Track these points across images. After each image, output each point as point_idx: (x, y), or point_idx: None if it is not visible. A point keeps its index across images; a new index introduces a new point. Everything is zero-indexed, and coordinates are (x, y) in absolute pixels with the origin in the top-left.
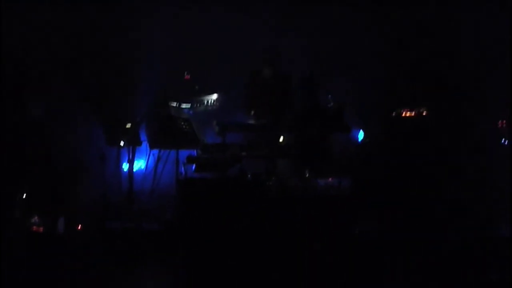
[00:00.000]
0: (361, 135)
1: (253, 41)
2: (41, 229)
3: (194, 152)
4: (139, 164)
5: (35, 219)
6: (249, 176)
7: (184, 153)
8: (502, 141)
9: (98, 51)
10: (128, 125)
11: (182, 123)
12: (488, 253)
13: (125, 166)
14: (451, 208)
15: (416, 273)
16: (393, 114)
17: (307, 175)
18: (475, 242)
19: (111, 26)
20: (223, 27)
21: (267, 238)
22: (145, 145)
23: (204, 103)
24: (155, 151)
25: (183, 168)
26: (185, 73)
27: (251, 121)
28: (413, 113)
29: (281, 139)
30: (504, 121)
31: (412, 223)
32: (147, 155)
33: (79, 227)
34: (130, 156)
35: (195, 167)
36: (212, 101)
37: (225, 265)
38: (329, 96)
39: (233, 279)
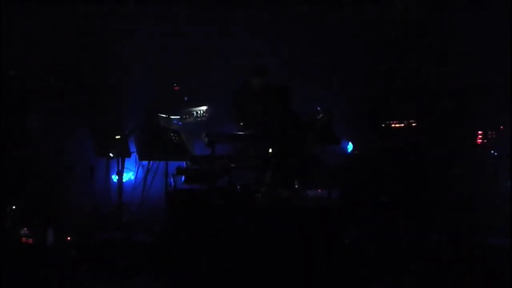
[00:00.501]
0: (350, 146)
1: (241, 52)
2: (30, 240)
3: (184, 164)
4: (129, 176)
5: (25, 230)
6: (238, 187)
7: (173, 164)
8: (492, 152)
9: (87, 63)
10: (118, 137)
11: (172, 134)
12: (480, 263)
13: (115, 178)
14: (441, 218)
15: (404, 282)
16: (382, 126)
17: (296, 186)
18: (467, 250)
19: (100, 37)
20: (211, 38)
21: (256, 249)
22: (134, 156)
23: (193, 114)
24: (145, 162)
25: (172, 180)
26: (174, 84)
27: (240, 132)
28: (402, 125)
29: (270, 150)
30: (494, 132)
31: (401, 233)
32: (137, 166)
33: (68, 239)
34: (120, 168)
35: (184, 178)
36: (201, 112)
37: (214, 276)
38: (318, 108)
39: None
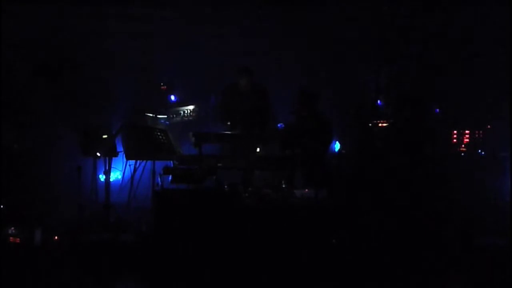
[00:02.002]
0: (337, 146)
1: (229, 52)
2: (17, 240)
3: (171, 163)
4: (116, 175)
5: (12, 230)
6: (225, 187)
7: (160, 164)
8: (479, 151)
9: (73, 62)
10: (105, 136)
11: (159, 134)
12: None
13: (102, 177)
14: (430, 216)
15: (393, 282)
16: (369, 125)
17: (283, 186)
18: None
19: (86, 37)
20: (199, 38)
21: (243, 249)
22: (121, 155)
23: (180, 114)
24: (132, 162)
25: (159, 179)
26: (161, 84)
27: (227, 132)
28: (388, 124)
29: (257, 150)
30: (481, 132)
31: (390, 231)
32: (124, 166)
33: (55, 238)
34: (107, 167)
35: (172, 178)
36: (188, 112)
37: (201, 276)
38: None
39: None
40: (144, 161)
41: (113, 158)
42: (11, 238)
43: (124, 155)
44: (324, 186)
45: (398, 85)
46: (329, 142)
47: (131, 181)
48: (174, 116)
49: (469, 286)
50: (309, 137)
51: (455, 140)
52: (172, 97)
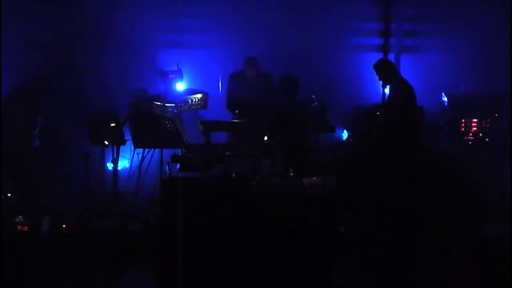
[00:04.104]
0: (345, 134)
1: (235, 40)
2: (25, 228)
3: (179, 152)
4: (124, 163)
5: (20, 218)
6: (233, 175)
7: (168, 152)
8: (486, 140)
9: (81, 49)
10: (113, 124)
11: (166, 122)
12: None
13: (110, 166)
14: (437, 206)
15: (399, 272)
16: (377, 113)
17: (291, 174)
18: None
19: (93, 23)
20: (208, 27)
21: (251, 238)
22: (129, 144)
23: (188, 102)
24: (140, 150)
25: (167, 168)
26: (169, 72)
27: (235, 121)
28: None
29: (265, 138)
30: (488, 120)
31: (397, 221)
32: (132, 154)
33: (63, 227)
34: (115, 155)
35: (179, 166)
36: (196, 101)
37: (209, 265)
38: (313, 96)
39: (217, 278)
40: (152, 149)
41: (121, 146)
42: (19, 226)
43: (132, 144)
44: (332, 174)
45: None
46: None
47: (139, 170)
48: (182, 104)
49: (475, 274)
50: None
51: (463, 129)
52: (180, 86)
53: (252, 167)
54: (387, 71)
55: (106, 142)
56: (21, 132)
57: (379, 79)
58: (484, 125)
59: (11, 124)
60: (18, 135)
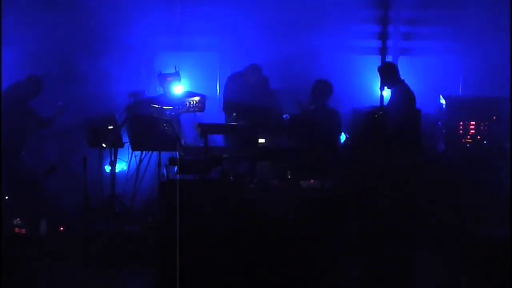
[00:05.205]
0: (343, 137)
1: (233, 43)
2: (23, 231)
3: (176, 154)
4: (121, 166)
5: (17, 221)
6: (231, 178)
7: (166, 155)
8: (484, 143)
9: (79, 52)
10: (110, 127)
11: (164, 125)
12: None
13: (107, 168)
14: (436, 207)
15: (401, 273)
16: (375, 116)
17: (288, 177)
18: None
19: (91, 25)
20: (207, 29)
21: (249, 240)
22: (127, 146)
23: (186, 105)
24: (137, 152)
25: (165, 170)
26: (167, 75)
27: (233, 123)
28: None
29: (262, 140)
30: (486, 123)
31: (396, 222)
32: (129, 157)
33: (61, 229)
34: (112, 158)
35: (177, 169)
36: (194, 103)
37: (206, 267)
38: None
39: (214, 281)
40: (150, 152)
41: (119, 149)
42: (16, 229)
43: (130, 146)
44: (331, 176)
45: None
46: (338, 134)
47: (136, 172)
48: (180, 107)
49: (473, 276)
50: (318, 129)
51: (461, 132)
52: (178, 88)
53: (250, 169)
54: (392, 76)
55: (104, 145)
56: (16, 132)
57: (382, 82)
58: (482, 127)
59: (6, 124)
60: (13, 135)
